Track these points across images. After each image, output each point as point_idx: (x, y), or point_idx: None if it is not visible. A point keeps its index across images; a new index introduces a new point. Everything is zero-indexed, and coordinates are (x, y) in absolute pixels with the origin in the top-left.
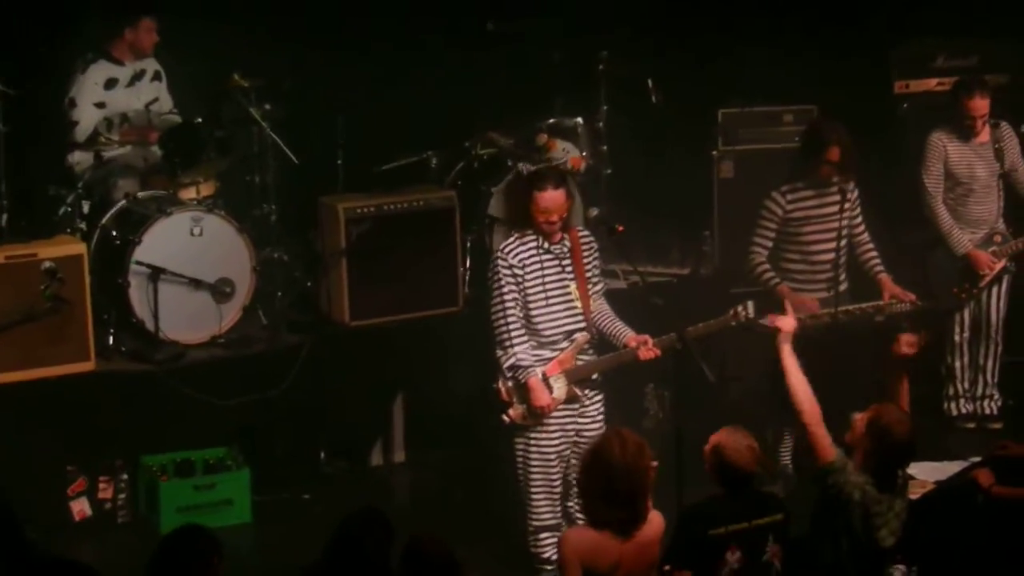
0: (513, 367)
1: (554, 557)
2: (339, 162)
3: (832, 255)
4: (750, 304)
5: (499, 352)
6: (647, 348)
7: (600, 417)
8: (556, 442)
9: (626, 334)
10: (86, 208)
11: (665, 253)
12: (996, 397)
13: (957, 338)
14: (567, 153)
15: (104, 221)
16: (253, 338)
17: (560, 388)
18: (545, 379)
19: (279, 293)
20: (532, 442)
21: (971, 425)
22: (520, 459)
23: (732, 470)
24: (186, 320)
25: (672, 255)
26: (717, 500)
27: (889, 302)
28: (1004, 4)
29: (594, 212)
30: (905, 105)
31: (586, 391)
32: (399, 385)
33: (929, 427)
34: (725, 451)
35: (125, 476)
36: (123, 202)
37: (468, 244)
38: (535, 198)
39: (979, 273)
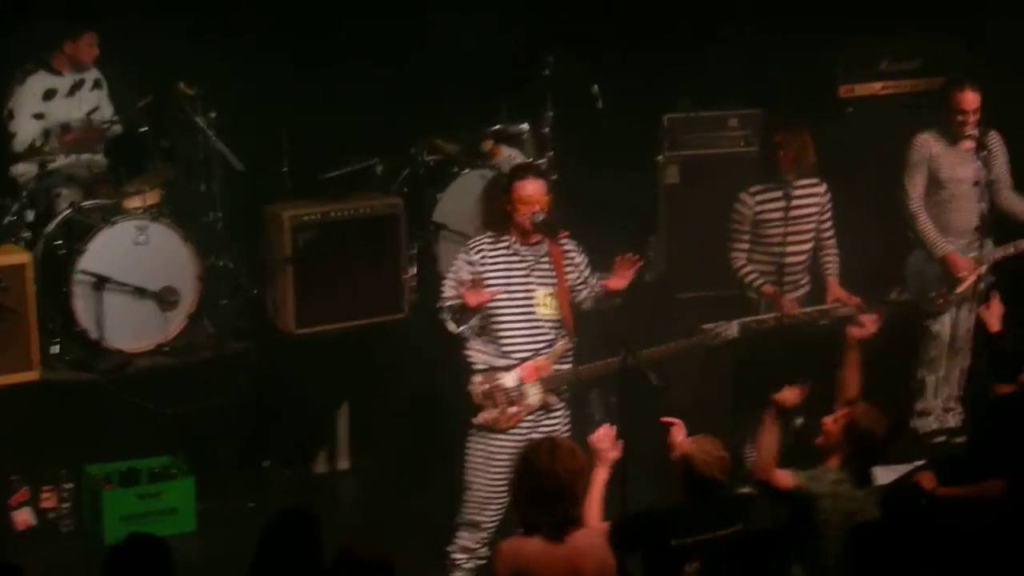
0: (450, 309)
1: (457, 556)
2: (284, 169)
3: (796, 257)
4: (735, 324)
5: (447, 323)
6: None
7: (562, 426)
8: (510, 446)
9: None
10: (30, 217)
11: (610, 258)
12: (959, 410)
13: (933, 352)
14: (512, 159)
15: (49, 230)
16: (199, 346)
17: (535, 395)
18: (520, 385)
19: (225, 301)
20: (482, 442)
21: (941, 439)
22: (468, 453)
23: (701, 480)
24: (131, 329)
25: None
26: (682, 509)
27: (833, 306)
28: (946, 5)
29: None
30: (850, 109)
31: (555, 399)
32: (344, 393)
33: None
34: (694, 461)
35: (69, 485)
36: (68, 211)
37: (415, 251)
38: (515, 188)
39: (956, 277)
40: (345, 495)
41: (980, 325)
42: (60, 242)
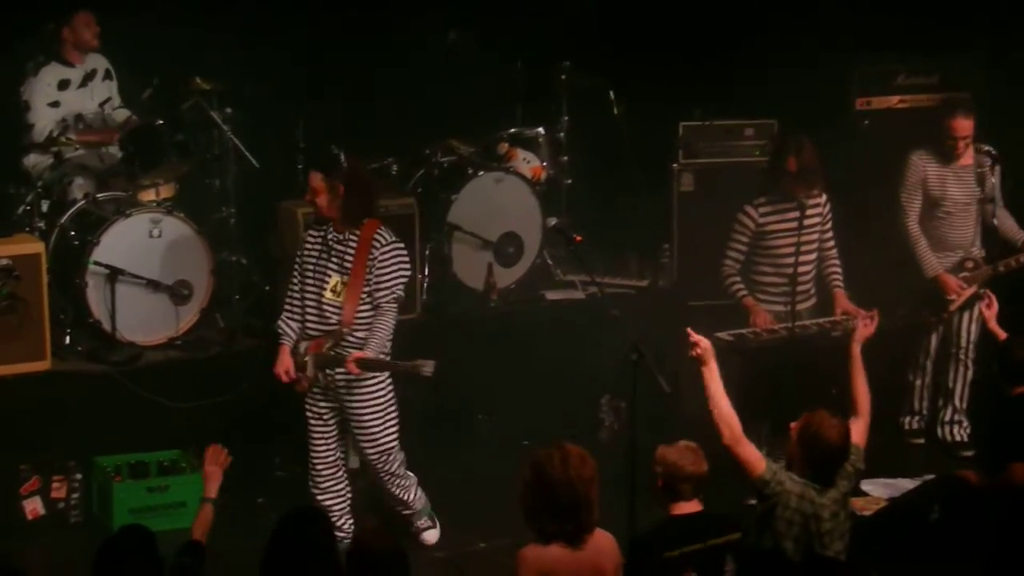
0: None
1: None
2: (299, 167)
3: (804, 268)
4: (430, 364)
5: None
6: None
7: (356, 408)
8: (311, 415)
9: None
10: (45, 207)
11: (623, 265)
12: (965, 424)
13: (921, 359)
14: (528, 163)
15: (63, 221)
16: (210, 341)
17: (311, 368)
18: (305, 354)
19: (236, 296)
20: (307, 412)
21: (920, 441)
22: None
23: (687, 479)
24: (143, 321)
25: (630, 267)
26: (670, 522)
27: (843, 318)
28: (964, 22)
29: (553, 222)
30: (867, 122)
31: (339, 381)
32: None
33: (887, 445)
34: (675, 464)
35: (78, 476)
36: (82, 202)
37: (427, 252)
38: None
39: (947, 297)
40: (355, 493)
41: (987, 337)
42: (74, 233)
